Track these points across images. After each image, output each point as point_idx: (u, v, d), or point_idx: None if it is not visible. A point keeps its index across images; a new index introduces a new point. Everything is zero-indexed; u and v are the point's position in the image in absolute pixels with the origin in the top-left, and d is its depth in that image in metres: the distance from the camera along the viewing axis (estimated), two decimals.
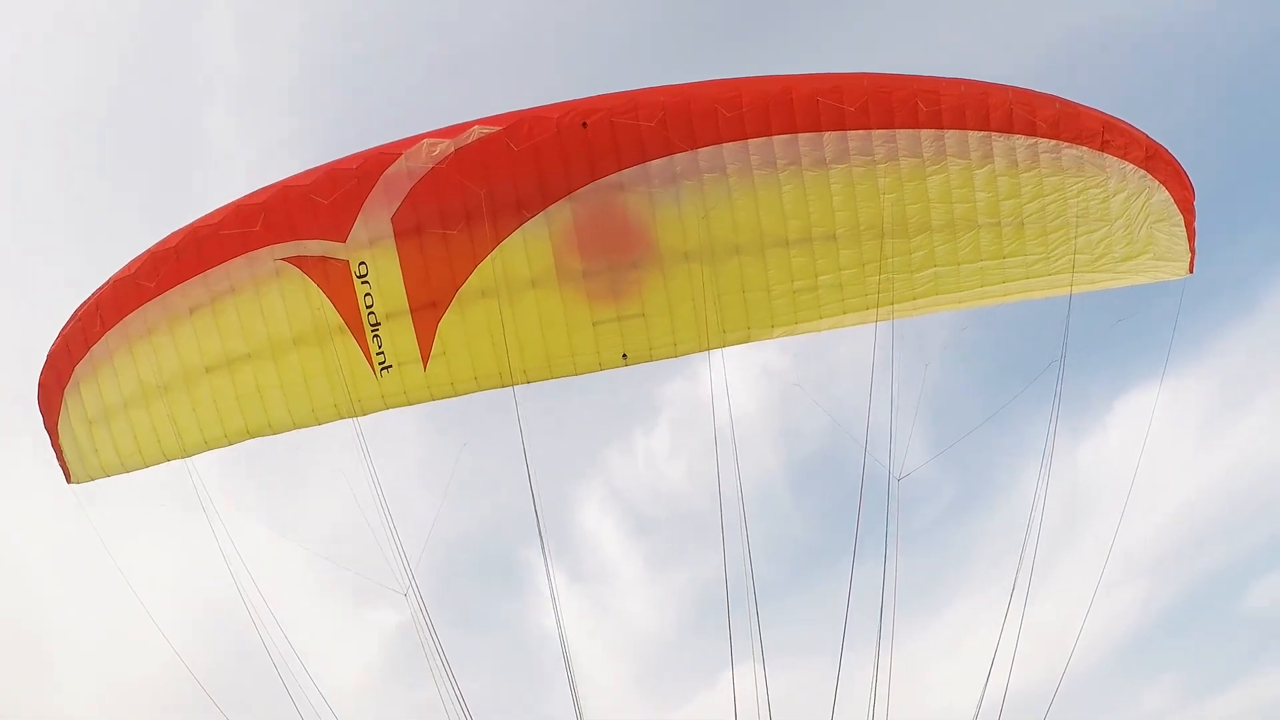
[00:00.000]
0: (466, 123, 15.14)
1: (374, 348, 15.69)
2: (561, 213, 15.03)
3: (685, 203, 14.86)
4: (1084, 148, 15.63)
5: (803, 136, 14.68)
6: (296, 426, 16.57)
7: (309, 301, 15.75)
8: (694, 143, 14.68)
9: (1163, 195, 16.56)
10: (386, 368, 15.83)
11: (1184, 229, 16.88)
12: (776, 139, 14.64)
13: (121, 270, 16.88)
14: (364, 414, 16.33)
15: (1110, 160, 15.94)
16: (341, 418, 16.39)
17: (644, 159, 14.76)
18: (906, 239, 15.15)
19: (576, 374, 16.05)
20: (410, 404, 16.38)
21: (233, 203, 16.29)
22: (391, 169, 15.36)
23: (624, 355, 15.78)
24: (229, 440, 16.83)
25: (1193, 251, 17.11)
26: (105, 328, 16.81)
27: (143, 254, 16.69)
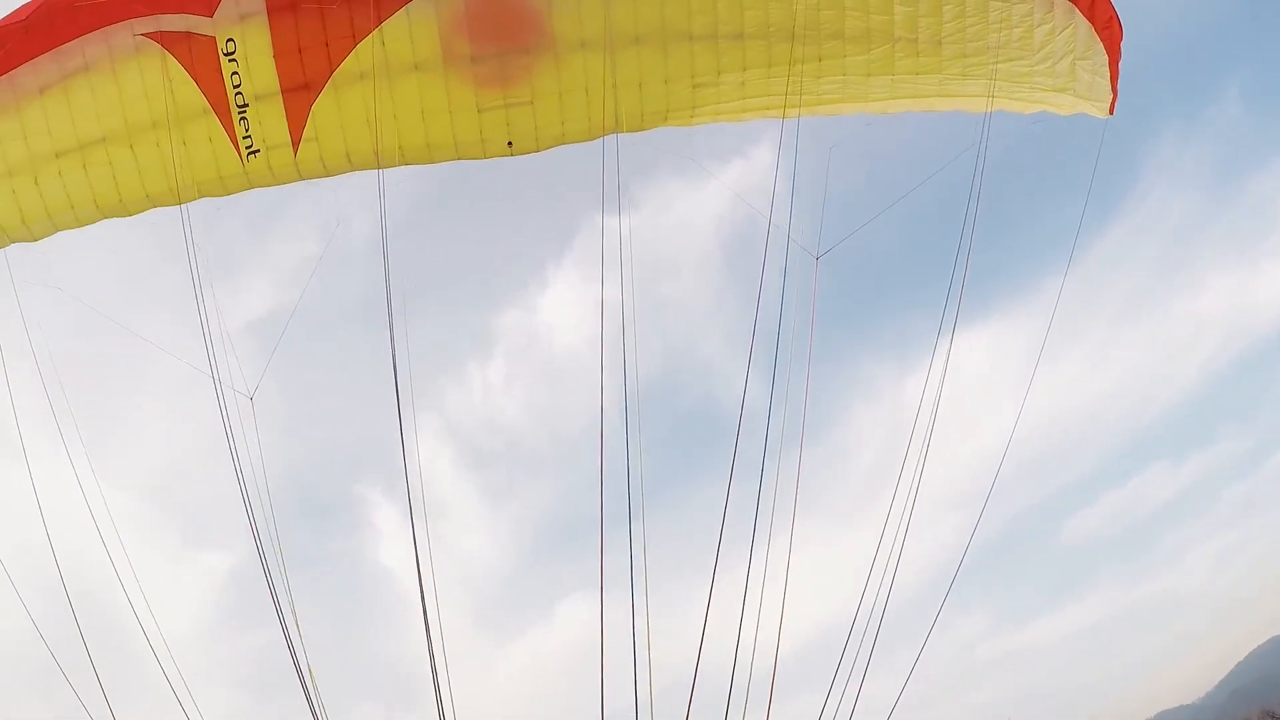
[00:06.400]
0: None
1: (240, 131, 14.45)
2: None
3: None
4: None
5: None
6: (154, 206, 15.27)
7: (170, 81, 14.40)
8: None
9: (1089, 32, 15.89)
10: (254, 152, 14.59)
11: (1107, 69, 16.27)
12: None
13: None
14: (228, 194, 15.18)
15: None
16: (204, 196, 15.14)
17: None
18: (818, 45, 14.25)
19: (459, 159, 14.93)
20: (277, 184, 15.19)
21: None
22: None
23: (509, 144, 14.73)
24: (79, 224, 15.51)
25: (1115, 93, 16.54)
26: None
27: None
